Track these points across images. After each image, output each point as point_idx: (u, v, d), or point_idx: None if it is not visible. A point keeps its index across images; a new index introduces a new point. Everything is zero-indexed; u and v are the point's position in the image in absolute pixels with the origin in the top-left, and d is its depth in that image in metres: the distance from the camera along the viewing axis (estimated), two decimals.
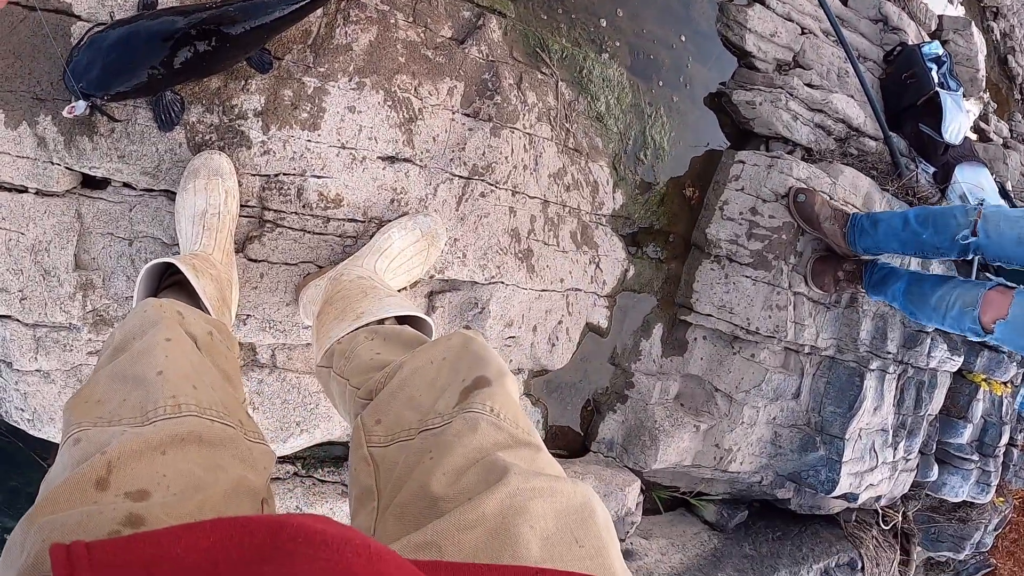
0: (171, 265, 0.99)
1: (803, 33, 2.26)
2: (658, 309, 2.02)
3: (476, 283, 1.49)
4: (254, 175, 1.21)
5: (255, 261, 1.25)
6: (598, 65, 1.74)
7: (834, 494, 2.22)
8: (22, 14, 1.08)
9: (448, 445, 0.61)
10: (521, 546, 0.50)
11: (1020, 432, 3.32)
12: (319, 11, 1.23)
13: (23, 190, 1.12)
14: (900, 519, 2.85)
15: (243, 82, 1.18)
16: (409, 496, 0.59)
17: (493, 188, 1.48)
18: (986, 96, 3.08)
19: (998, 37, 3.49)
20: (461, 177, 1.43)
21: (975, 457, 2.96)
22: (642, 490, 1.99)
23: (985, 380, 2.82)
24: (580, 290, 1.76)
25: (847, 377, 2.17)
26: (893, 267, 1.98)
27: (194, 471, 0.57)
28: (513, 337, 1.61)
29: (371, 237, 1.29)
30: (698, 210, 2.06)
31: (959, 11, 3.06)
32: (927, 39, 2.66)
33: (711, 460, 2.05)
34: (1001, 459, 3.15)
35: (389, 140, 1.32)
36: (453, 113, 1.41)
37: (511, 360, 1.65)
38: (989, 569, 3.82)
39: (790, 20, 2.22)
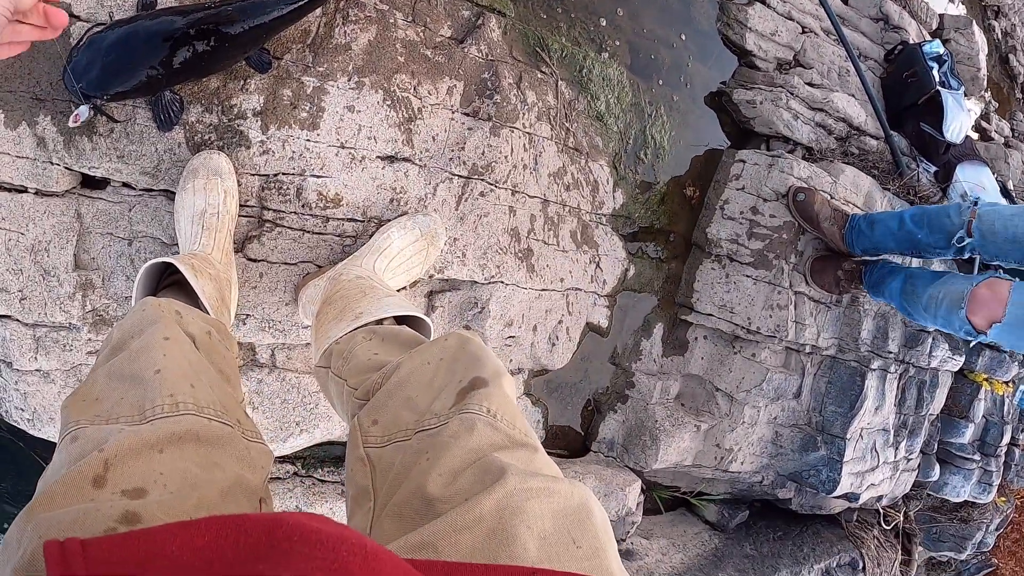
0: (170, 265, 0.99)
1: (804, 32, 2.25)
2: (659, 309, 2.02)
3: (476, 283, 1.49)
4: (253, 175, 1.21)
5: (254, 261, 1.25)
6: (598, 64, 1.74)
7: (835, 494, 2.22)
8: None
9: (444, 446, 0.61)
10: (518, 546, 0.50)
11: (1022, 432, 3.32)
12: (318, 11, 1.23)
13: (23, 190, 1.13)
14: (901, 519, 2.85)
15: (242, 82, 1.18)
16: (405, 497, 0.59)
17: (493, 187, 1.48)
18: (987, 95, 3.07)
19: (999, 36, 3.48)
20: (460, 176, 1.43)
21: (977, 457, 2.95)
22: (643, 490, 1.99)
23: (987, 380, 2.81)
24: (580, 289, 1.76)
25: (848, 377, 2.17)
26: (892, 266, 1.93)
27: (191, 469, 0.57)
28: (513, 337, 1.61)
29: (370, 237, 1.29)
30: (698, 209, 2.06)
31: (960, 10, 3.06)
32: (928, 38, 2.66)
33: (712, 460, 2.05)
34: (1003, 459, 3.14)
35: (388, 139, 1.32)
36: (452, 112, 1.41)
37: (511, 360, 1.65)
38: (991, 569, 3.82)
39: (791, 19, 2.21)
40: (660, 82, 1.93)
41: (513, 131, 1.50)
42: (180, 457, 0.58)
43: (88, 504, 0.49)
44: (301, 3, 1.11)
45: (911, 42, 2.53)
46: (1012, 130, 3.26)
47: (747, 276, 1.94)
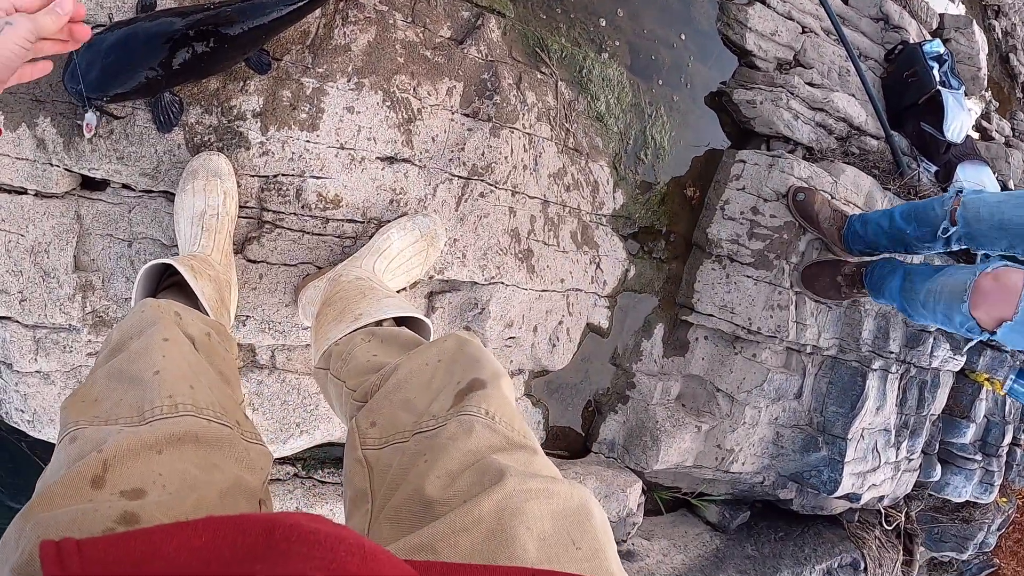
0: (170, 266, 0.99)
1: (804, 32, 2.25)
2: (659, 309, 2.02)
3: (476, 284, 1.49)
4: (253, 176, 1.21)
5: (254, 262, 1.25)
6: (598, 65, 1.74)
7: (836, 494, 2.21)
8: None
9: (443, 448, 0.61)
10: (518, 547, 0.49)
11: (1023, 431, 3.31)
12: (317, 12, 1.23)
13: (22, 192, 1.13)
14: (903, 519, 2.84)
15: (242, 83, 1.18)
16: (403, 499, 0.59)
17: (493, 188, 1.48)
18: (988, 94, 3.07)
19: (1000, 35, 3.48)
20: (460, 177, 1.43)
21: (978, 457, 2.94)
22: (643, 491, 1.99)
23: (988, 379, 2.80)
24: (581, 290, 1.76)
25: (849, 377, 2.16)
26: (891, 265, 1.83)
27: (190, 470, 0.57)
28: (513, 338, 1.61)
29: (370, 238, 1.28)
30: (699, 210, 2.05)
31: (960, 9, 3.05)
32: (928, 37, 2.65)
33: (713, 461, 2.05)
34: (1004, 459, 3.13)
35: (388, 140, 1.32)
36: (452, 113, 1.41)
37: (511, 361, 1.65)
38: (992, 569, 3.81)
39: (791, 19, 2.21)
40: (660, 82, 1.93)
41: (513, 132, 1.50)
42: (179, 458, 0.58)
43: (86, 504, 0.49)
44: (300, 4, 1.11)
45: (911, 42, 2.53)
46: (1013, 129, 3.26)
47: (748, 276, 1.94)
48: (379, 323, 0.95)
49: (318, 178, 1.25)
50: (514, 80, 1.52)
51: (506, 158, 1.48)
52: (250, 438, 0.70)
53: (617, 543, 2.02)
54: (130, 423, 0.62)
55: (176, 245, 1.16)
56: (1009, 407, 3.06)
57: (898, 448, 2.44)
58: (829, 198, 1.97)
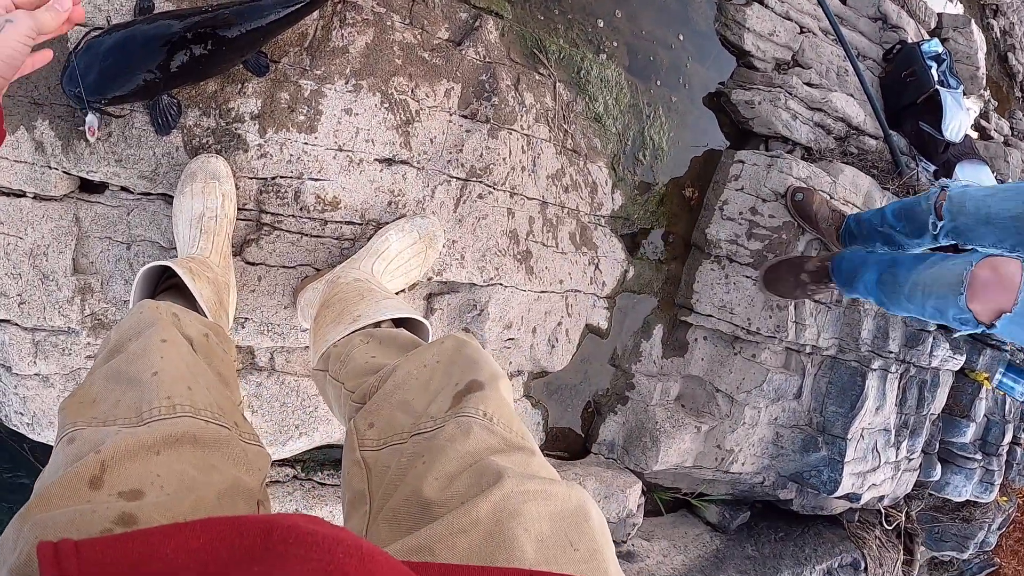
0: (168, 268, 0.99)
1: (802, 32, 2.26)
2: (658, 310, 2.02)
3: (475, 285, 1.49)
4: (251, 178, 1.21)
5: (253, 264, 1.25)
6: (596, 66, 1.74)
7: (836, 494, 2.21)
8: None
9: (441, 449, 0.61)
10: (516, 549, 0.50)
11: (1023, 430, 3.31)
12: (315, 14, 1.23)
13: (21, 194, 1.13)
14: (903, 519, 2.84)
15: (239, 85, 1.18)
16: (401, 501, 0.59)
17: (491, 190, 1.48)
18: (986, 94, 3.07)
19: (998, 34, 3.48)
20: (459, 179, 1.43)
21: (978, 456, 2.94)
22: (643, 491, 1.99)
23: (987, 379, 2.81)
24: (579, 291, 1.76)
25: (849, 377, 2.16)
26: (863, 256, 1.71)
27: (188, 471, 0.57)
28: (512, 339, 1.61)
29: (368, 239, 1.29)
30: (698, 210, 2.05)
31: (958, 9, 3.06)
32: (926, 37, 2.66)
33: (712, 461, 2.05)
34: (1004, 458, 3.13)
35: (386, 142, 1.32)
36: (450, 115, 1.41)
37: (510, 362, 1.65)
38: (993, 568, 3.81)
39: (789, 19, 2.22)
40: (658, 83, 1.93)
41: (511, 133, 1.50)
42: (177, 459, 0.58)
43: (84, 505, 0.49)
44: (298, 7, 1.11)
45: (909, 41, 2.53)
46: (1011, 128, 3.26)
47: (747, 277, 1.94)
48: (377, 324, 0.95)
49: (316, 180, 1.25)
50: (512, 81, 1.52)
51: (504, 159, 1.48)
52: (248, 439, 0.70)
53: (617, 544, 2.02)
54: (128, 424, 0.62)
55: (175, 247, 1.16)
56: (1009, 406, 3.06)
57: (898, 448, 2.44)
58: (828, 198, 1.97)
